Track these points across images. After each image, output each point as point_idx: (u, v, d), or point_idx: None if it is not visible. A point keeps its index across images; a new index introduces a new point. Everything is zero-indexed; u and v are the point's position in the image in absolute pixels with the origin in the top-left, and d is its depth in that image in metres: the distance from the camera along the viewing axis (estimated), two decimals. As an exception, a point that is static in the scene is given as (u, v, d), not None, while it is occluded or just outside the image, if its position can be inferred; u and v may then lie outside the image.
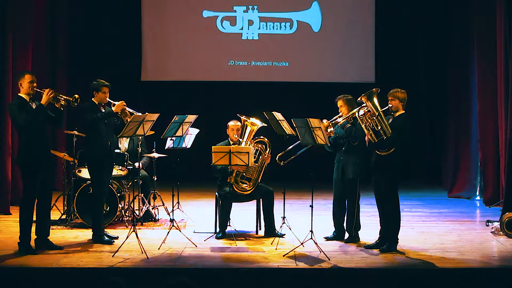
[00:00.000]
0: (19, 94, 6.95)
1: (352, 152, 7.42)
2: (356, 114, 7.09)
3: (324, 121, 7.25)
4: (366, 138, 7.02)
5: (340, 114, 7.48)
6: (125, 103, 7.45)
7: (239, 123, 7.95)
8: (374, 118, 6.92)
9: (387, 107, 7.02)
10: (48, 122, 7.07)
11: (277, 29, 12.70)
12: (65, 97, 7.00)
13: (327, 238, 7.62)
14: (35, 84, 6.92)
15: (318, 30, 12.66)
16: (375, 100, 6.94)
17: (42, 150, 6.96)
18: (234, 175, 7.69)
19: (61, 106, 7.00)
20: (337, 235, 7.62)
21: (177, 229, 7.57)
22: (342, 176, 7.47)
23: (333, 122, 7.36)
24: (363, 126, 7.01)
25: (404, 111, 7.05)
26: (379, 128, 6.90)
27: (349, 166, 7.43)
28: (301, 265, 6.55)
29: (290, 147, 7.72)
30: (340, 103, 7.53)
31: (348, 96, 7.53)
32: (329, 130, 7.27)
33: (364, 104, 7.01)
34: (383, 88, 7.15)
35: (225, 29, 12.70)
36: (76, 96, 7.01)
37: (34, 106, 6.90)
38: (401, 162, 7.05)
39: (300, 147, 7.67)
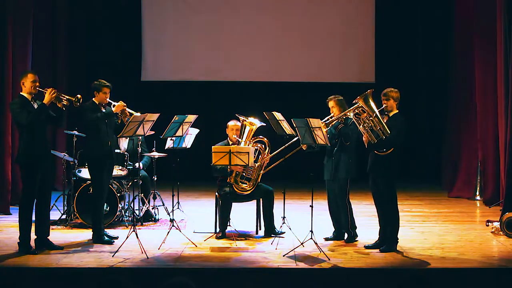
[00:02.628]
0: (21, 93, 6.95)
1: (344, 151, 7.43)
2: (351, 115, 7.10)
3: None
4: (364, 139, 7.03)
5: (331, 114, 7.49)
6: (125, 104, 7.46)
7: (238, 123, 7.96)
8: (372, 118, 6.93)
9: (382, 107, 7.04)
10: (49, 121, 7.08)
11: (277, 29, 12.69)
12: (67, 97, 7.01)
13: (327, 239, 7.62)
14: (37, 84, 6.93)
15: (318, 30, 12.67)
16: (371, 101, 6.96)
17: (42, 149, 6.96)
18: (234, 175, 7.69)
19: (63, 106, 7.01)
20: (337, 235, 7.62)
21: (177, 229, 7.57)
22: (335, 175, 7.48)
23: (326, 122, 7.36)
24: (360, 127, 7.02)
25: (398, 111, 7.07)
26: (377, 128, 6.91)
27: (342, 166, 7.44)
28: (301, 265, 6.55)
29: (275, 152, 7.74)
30: (331, 103, 7.54)
31: (339, 96, 7.54)
32: (323, 130, 7.27)
33: (356, 105, 7.01)
34: (383, 89, 7.16)
35: (225, 28, 12.70)
36: (79, 96, 7.02)
37: (35, 106, 6.91)
38: (398, 162, 7.07)
39: (283, 154, 7.68)
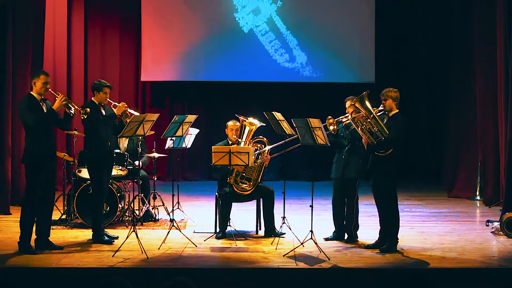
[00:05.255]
0: (31, 92, 6.98)
1: (355, 152, 7.42)
2: (349, 117, 7.09)
3: (330, 117, 7.25)
4: (363, 140, 7.03)
5: (346, 114, 7.46)
6: (126, 105, 7.47)
7: (238, 123, 7.96)
8: (369, 120, 6.93)
9: (381, 107, 7.04)
10: (56, 123, 7.12)
11: (277, 29, 12.70)
12: (76, 107, 7.03)
13: (327, 239, 7.62)
14: (48, 86, 6.97)
15: (317, 30, 12.67)
16: (367, 102, 6.95)
17: (48, 150, 6.98)
18: (234, 175, 7.69)
19: (70, 112, 7.03)
20: (337, 235, 7.62)
21: (177, 229, 7.57)
22: (343, 175, 7.47)
23: (337, 120, 7.35)
24: (358, 129, 7.00)
25: (397, 110, 7.07)
26: (375, 129, 6.91)
27: (352, 166, 7.43)
28: (301, 265, 6.55)
29: (276, 144, 7.74)
30: (348, 103, 7.49)
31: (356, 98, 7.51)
32: (332, 127, 7.25)
33: (357, 108, 7.00)
34: (383, 89, 7.16)
35: (225, 29, 12.70)
36: (87, 109, 7.03)
37: (44, 107, 6.95)
38: (399, 162, 7.07)
39: (288, 144, 7.68)
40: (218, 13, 12.70)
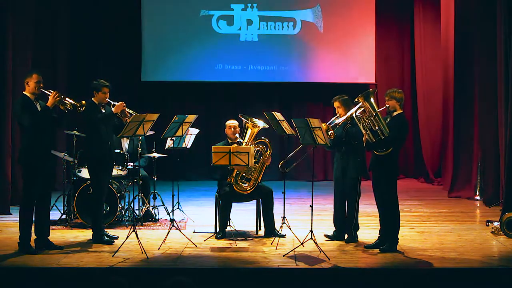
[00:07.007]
0: (24, 92, 6.97)
1: (353, 151, 7.41)
2: (354, 115, 7.08)
3: (323, 124, 7.24)
4: (363, 138, 7.03)
5: (337, 115, 7.47)
6: (125, 104, 7.46)
7: (236, 122, 7.95)
8: (372, 118, 6.93)
9: (384, 107, 7.04)
10: (52, 122, 7.10)
11: (278, 29, 12.70)
12: (71, 102, 7.02)
13: (327, 236, 7.61)
14: (41, 85, 6.96)
15: (317, 30, 12.67)
16: (372, 100, 6.96)
17: (44, 150, 6.97)
18: (234, 175, 7.68)
19: (66, 109, 7.02)
20: (338, 235, 7.61)
21: (177, 229, 7.57)
22: (343, 175, 7.47)
23: (332, 125, 7.34)
24: (360, 126, 7.01)
25: (401, 111, 7.07)
26: (376, 128, 6.91)
27: (350, 166, 7.42)
28: (301, 265, 6.55)
29: (290, 154, 7.73)
30: (337, 104, 7.51)
31: (344, 96, 7.52)
32: (329, 132, 7.26)
33: (361, 104, 7.01)
34: (383, 89, 7.16)
35: (223, 28, 12.70)
36: (83, 102, 7.04)
37: (38, 106, 6.93)
38: (398, 162, 7.07)
39: (301, 152, 7.67)
40: (218, 13, 12.72)
